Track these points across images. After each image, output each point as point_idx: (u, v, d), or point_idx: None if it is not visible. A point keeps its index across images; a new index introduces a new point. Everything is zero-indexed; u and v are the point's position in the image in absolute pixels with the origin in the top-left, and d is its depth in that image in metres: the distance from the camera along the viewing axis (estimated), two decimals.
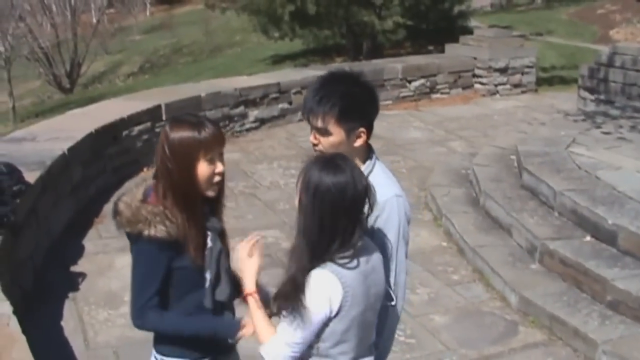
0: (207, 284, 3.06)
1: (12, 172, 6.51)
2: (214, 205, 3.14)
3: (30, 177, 6.88)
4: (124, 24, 40.82)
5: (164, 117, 10.13)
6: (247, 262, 2.99)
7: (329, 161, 2.78)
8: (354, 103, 3.06)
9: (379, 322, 3.06)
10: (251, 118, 11.88)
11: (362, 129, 3.09)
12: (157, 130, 9.67)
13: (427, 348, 5.62)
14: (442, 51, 15.57)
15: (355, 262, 2.77)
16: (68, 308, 6.26)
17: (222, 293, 3.10)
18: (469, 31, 17.26)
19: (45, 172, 7.32)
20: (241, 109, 11.70)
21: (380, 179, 3.12)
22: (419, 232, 7.71)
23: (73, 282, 6.68)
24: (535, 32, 20.79)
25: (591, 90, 12.41)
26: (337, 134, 3.06)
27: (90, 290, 6.53)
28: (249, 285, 2.96)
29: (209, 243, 3.06)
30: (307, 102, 3.12)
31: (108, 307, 6.15)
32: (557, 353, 5.53)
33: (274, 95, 12.13)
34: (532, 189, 7.66)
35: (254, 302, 2.94)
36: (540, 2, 29.62)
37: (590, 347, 5.36)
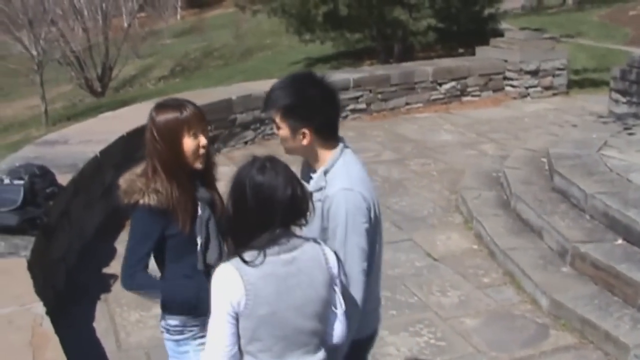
0: (199, 248, 3.35)
1: (45, 174, 6.57)
2: (205, 178, 3.45)
3: (63, 179, 6.95)
4: (154, 28, 41.09)
5: None
6: None
7: (259, 161, 2.85)
8: (301, 103, 3.17)
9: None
10: None
11: (304, 130, 3.16)
12: None
13: (458, 351, 5.61)
14: (473, 54, 15.51)
15: (260, 259, 2.75)
16: (100, 309, 6.33)
17: (211, 256, 3.37)
18: (499, 33, 17.15)
19: (78, 175, 7.39)
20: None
21: (338, 173, 3.17)
22: (449, 234, 7.73)
23: (105, 283, 6.74)
24: (566, 34, 20.63)
25: (623, 92, 12.28)
26: (284, 129, 3.22)
27: (122, 292, 6.46)
28: None
29: (199, 211, 3.36)
30: (268, 93, 3.30)
31: (140, 309, 6.19)
32: (588, 356, 5.49)
33: None
34: (563, 191, 7.62)
35: None
36: (572, 4, 29.46)
37: (622, 350, 5.32)
